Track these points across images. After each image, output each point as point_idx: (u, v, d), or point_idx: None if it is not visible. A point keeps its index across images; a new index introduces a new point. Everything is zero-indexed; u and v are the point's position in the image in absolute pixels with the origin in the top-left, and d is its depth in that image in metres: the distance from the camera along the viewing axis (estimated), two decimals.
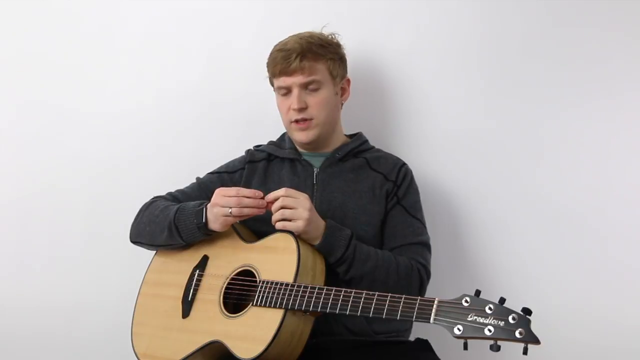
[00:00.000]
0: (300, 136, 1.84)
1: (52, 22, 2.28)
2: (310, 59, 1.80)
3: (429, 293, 1.74)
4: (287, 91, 1.83)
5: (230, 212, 1.65)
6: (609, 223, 2.00)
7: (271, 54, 1.86)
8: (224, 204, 1.66)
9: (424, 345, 1.76)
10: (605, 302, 1.98)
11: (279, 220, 1.64)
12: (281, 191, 1.65)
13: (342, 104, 1.93)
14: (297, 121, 1.82)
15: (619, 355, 1.95)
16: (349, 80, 1.93)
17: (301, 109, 1.81)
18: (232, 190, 1.68)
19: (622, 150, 2.01)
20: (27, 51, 2.29)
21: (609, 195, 2.00)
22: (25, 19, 2.29)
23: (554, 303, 1.98)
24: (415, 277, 1.72)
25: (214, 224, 1.70)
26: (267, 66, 1.87)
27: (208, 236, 1.74)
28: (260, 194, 1.68)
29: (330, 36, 1.89)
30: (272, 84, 1.90)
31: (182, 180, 1.95)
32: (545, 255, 2.02)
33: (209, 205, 1.70)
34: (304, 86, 1.81)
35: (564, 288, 2.01)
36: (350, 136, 1.97)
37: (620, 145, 2.01)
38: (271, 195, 1.66)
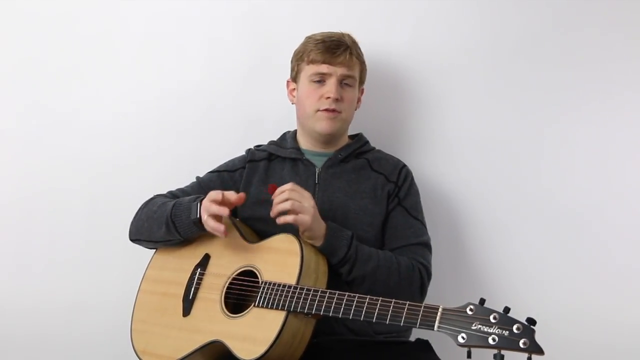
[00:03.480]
0: (325, 125, 1.83)
1: (51, 24, 2.25)
2: (354, 55, 1.84)
3: (430, 294, 1.75)
4: (322, 79, 1.82)
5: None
6: (610, 224, 2.02)
7: (309, 42, 1.85)
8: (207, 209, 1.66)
9: (424, 346, 1.76)
10: (605, 303, 1.99)
11: (287, 212, 1.61)
12: (288, 185, 1.65)
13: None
14: (326, 110, 1.81)
15: (619, 355, 1.97)
16: (363, 90, 1.94)
17: (337, 100, 1.81)
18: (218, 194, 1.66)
19: (622, 151, 2.02)
20: (27, 52, 2.26)
21: (609, 196, 2.02)
22: (25, 21, 2.26)
23: (555, 303, 1.99)
24: (416, 277, 1.72)
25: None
26: (305, 52, 1.85)
27: (205, 231, 1.71)
28: (244, 195, 1.69)
29: None
30: (298, 72, 1.87)
31: (183, 180, 1.94)
32: (546, 255, 2.03)
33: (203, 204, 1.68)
34: (341, 79, 1.82)
35: (564, 288, 2.02)
36: (351, 137, 1.96)
37: (620, 147, 2.02)
38: (278, 191, 1.65)
